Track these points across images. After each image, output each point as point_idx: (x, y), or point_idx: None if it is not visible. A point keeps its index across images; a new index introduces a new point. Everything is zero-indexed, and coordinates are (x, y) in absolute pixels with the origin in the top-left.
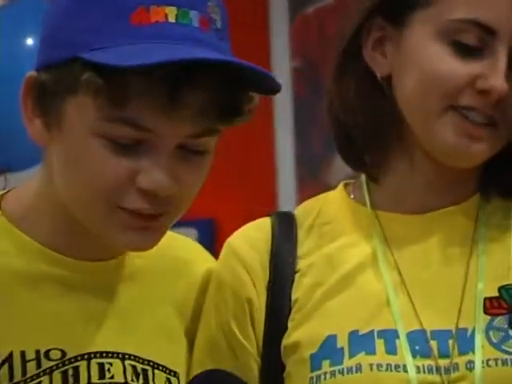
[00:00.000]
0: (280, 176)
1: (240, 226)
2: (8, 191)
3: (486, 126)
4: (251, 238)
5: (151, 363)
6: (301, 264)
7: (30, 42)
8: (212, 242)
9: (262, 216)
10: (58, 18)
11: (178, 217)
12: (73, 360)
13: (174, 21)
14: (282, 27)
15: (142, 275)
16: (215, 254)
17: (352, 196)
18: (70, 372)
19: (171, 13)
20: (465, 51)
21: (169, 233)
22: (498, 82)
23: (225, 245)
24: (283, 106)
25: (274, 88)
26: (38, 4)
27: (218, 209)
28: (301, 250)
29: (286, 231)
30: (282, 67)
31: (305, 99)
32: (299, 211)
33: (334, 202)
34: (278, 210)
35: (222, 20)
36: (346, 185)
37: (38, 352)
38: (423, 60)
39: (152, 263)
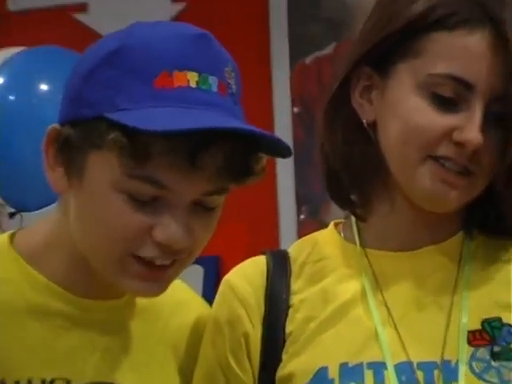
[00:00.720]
0: (281, 216)
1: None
2: (18, 230)
3: (462, 175)
4: (247, 275)
5: None
6: (294, 299)
7: (44, 88)
8: (217, 277)
9: None
10: (84, 78)
11: (187, 267)
12: None
13: (194, 86)
14: (282, 75)
15: (145, 312)
16: None
17: (342, 234)
18: None
19: (192, 78)
20: (443, 104)
21: None
22: (472, 134)
23: (222, 281)
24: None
25: (284, 152)
26: (52, 51)
27: (222, 246)
28: (294, 285)
29: (280, 268)
30: (283, 113)
31: (304, 143)
32: (293, 249)
33: (326, 241)
34: (280, 247)
35: (236, 84)
36: (336, 224)
37: (43, 381)
38: (404, 111)
39: (153, 302)
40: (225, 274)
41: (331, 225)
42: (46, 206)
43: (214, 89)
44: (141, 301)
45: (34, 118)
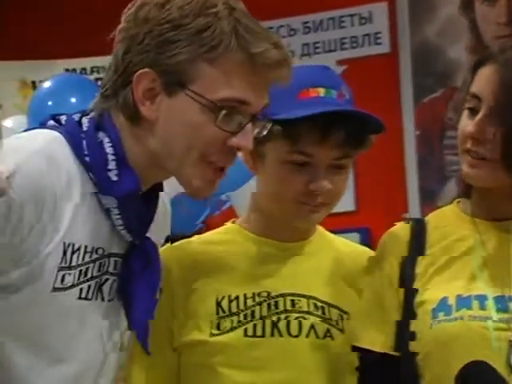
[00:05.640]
0: (410, 204)
1: (383, 231)
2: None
3: None
4: (397, 235)
5: (326, 303)
6: (428, 250)
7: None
8: (367, 240)
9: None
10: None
11: (332, 207)
12: (274, 297)
13: (323, 95)
14: (409, 111)
15: (312, 253)
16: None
17: (461, 208)
18: (272, 303)
19: (321, 91)
20: None
21: (332, 235)
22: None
23: (380, 240)
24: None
25: (380, 129)
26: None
27: (372, 222)
28: (429, 241)
29: (419, 230)
30: (410, 135)
31: (422, 153)
32: (429, 217)
33: (449, 212)
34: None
35: (350, 96)
36: (458, 202)
37: (253, 293)
38: None
39: (316, 250)
40: (373, 240)
41: (455, 202)
42: None
43: (335, 96)
44: (310, 246)
45: None
